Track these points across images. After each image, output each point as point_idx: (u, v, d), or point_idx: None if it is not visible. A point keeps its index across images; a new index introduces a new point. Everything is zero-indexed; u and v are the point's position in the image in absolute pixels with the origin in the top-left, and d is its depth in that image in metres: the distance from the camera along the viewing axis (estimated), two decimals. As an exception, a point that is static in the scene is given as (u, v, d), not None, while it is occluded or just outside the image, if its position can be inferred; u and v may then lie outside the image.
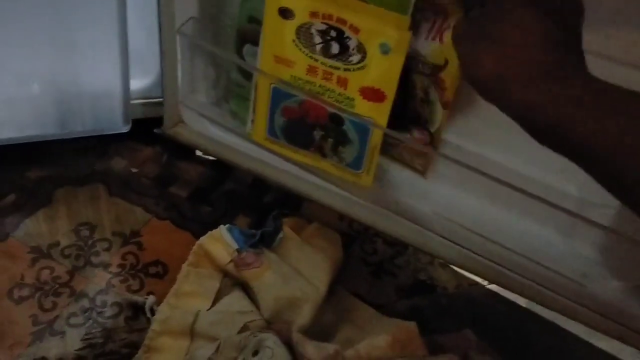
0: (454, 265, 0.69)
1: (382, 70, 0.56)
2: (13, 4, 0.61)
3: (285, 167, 0.68)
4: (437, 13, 0.55)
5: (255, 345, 0.55)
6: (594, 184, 0.57)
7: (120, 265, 0.66)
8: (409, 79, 0.59)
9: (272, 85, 0.61)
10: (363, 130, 0.59)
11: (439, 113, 0.60)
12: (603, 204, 0.58)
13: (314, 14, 0.55)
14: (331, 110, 0.60)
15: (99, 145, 0.78)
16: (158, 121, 0.76)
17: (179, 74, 0.67)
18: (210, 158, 0.79)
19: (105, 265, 0.66)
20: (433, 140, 0.63)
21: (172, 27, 0.65)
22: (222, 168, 0.78)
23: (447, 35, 0.56)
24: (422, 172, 0.66)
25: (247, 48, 0.64)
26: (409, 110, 0.63)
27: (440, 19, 0.55)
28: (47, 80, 0.67)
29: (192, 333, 0.59)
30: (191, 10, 0.66)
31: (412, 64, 0.59)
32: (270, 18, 0.57)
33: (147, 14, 0.68)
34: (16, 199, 0.71)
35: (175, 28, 0.65)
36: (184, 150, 0.79)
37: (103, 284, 0.64)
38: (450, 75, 0.58)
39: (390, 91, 0.57)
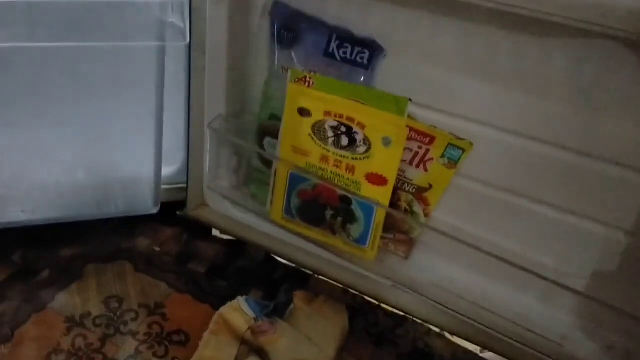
0: (447, 330, 0.76)
1: (385, 159, 0.66)
2: (66, 108, 0.72)
3: (296, 243, 0.77)
4: (421, 146, 0.67)
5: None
6: (567, 256, 0.67)
7: (147, 334, 0.73)
8: (394, 194, 0.69)
9: (290, 172, 0.71)
10: (368, 210, 0.69)
11: (422, 221, 0.71)
12: (576, 274, 0.67)
13: (327, 113, 0.67)
14: (341, 192, 0.69)
15: (125, 225, 0.87)
16: (177, 204, 0.85)
17: (207, 162, 0.77)
18: (225, 237, 0.88)
19: (134, 334, 0.73)
20: (412, 242, 0.73)
21: (202, 123, 0.76)
22: (236, 246, 0.87)
23: (431, 165, 0.67)
24: (406, 258, 0.75)
25: (267, 140, 0.75)
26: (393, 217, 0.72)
27: (423, 150, 0.67)
28: (90, 167, 0.76)
29: (214, 394, 0.65)
30: (219, 107, 0.76)
31: (398, 183, 0.69)
32: (290, 116, 0.68)
33: (174, 111, 0.79)
34: (50, 274, 0.79)
35: (205, 123, 0.76)
36: (201, 231, 0.88)
37: (132, 351, 0.71)
38: (434, 195, 0.69)
39: (392, 177, 0.67)
